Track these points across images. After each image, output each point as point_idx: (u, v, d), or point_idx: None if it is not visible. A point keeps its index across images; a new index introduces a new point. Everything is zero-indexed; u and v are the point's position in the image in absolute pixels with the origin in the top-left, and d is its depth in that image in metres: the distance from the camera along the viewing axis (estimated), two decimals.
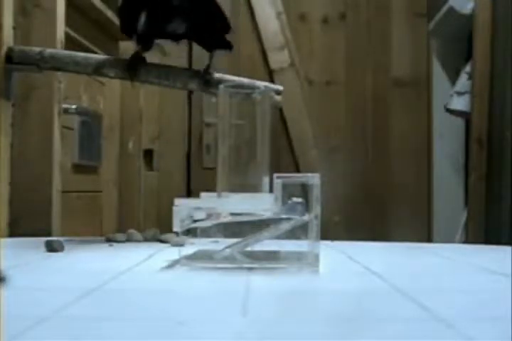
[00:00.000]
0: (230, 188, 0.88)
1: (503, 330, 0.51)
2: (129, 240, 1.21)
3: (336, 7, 2.38)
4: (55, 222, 1.37)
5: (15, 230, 1.29)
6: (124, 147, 2.25)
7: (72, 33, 1.68)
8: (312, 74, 2.37)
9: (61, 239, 1.10)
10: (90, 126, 1.86)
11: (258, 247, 0.87)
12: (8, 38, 1.29)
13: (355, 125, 2.37)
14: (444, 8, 2.04)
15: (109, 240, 1.19)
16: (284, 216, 0.86)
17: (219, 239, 0.89)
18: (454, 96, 1.96)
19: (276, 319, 0.56)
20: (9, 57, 1.27)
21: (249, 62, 2.28)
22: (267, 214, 0.86)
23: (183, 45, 1.38)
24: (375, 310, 0.61)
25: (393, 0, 2.38)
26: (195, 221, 0.88)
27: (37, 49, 1.28)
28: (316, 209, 0.85)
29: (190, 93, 2.32)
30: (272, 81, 2.15)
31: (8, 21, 1.28)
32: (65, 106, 1.51)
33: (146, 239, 1.22)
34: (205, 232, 0.88)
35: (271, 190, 0.87)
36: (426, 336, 0.50)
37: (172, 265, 0.87)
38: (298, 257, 0.85)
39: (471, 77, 1.88)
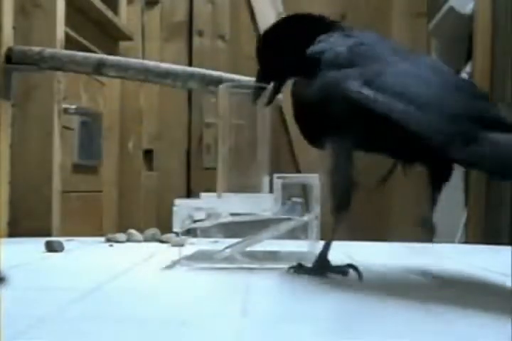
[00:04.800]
0: (230, 188, 0.88)
1: (503, 330, 0.51)
2: (129, 240, 1.21)
3: (335, 7, 2.38)
4: (55, 222, 1.37)
5: (15, 230, 1.29)
6: (124, 147, 2.25)
7: (72, 33, 1.68)
8: None
9: (61, 239, 1.10)
10: (90, 126, 1.86)
11: (258, 247, 0.87)
12: (8, 38, 1.29)
13: None
14: (444, 8, 2.03)
15: (109, 240, 1.19)
16: (283, 216, 0.86)
17: (219, 239, 0.89)
18: None
19: (276, 319, 0.56)
20: (9, 57, 1.27)
21: (249, 62, 2.27)
22: (267, 214, 0.86)
23: None
24: (375, 309, 0.61)
25: (393, 0, 2.38)
26: (195, 221, 0.88)
27: (37, 49, 1.28)
28: (316, 209, 0.85)
29: (190, 93, 2.32)
30: None
31: (8, 21, 1.28)
32: (64, 106, 1.50)
33: (146, 239, 1.22)
34: (205, 232, 0.88)
35: (271, 190, 0.87)
36: (426, 336, 0.50)
37: (172, 265, 0.87)
38: (298, 257, 0.85)
39: (471, 77, 1.88)
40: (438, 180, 0.83)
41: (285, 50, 0.86)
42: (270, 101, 0.89)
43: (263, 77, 0.89)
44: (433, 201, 0.87)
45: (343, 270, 0.79)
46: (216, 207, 0.87)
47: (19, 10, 1.34)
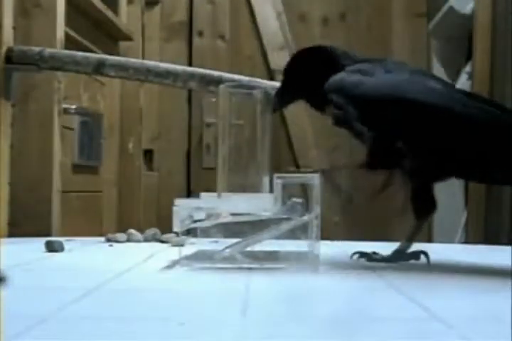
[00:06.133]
0: (230, 188, 0.88)
1: (503, 330, 0.51)
2: (129, 240, 1.21)
3: (335, 7, 2.38)
4: (55, 222, 1.37)
5: (15, 230, 1.29)
6: (124, 147, 2.25)
7: (72, 33, 1.68)
8: None
9: (61, 239, 1.10)
10: (90, 126, 1.86)
11: (258, 247, 0.87)
12: (8, 38, 1.29)
13: None
14: (444, 8, 2.03)
15: (109, 240, 1.19)
16: (284, 216, 0.86)
17: (219, 239, 0.89)
18: None
19: (276, 319, 0.56)
20: (9, 57, 1.27)
21: (249, 62, 2.28)
22: (267, 214, 0.86)
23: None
24: (375, 309, 0.61)
25: (393, 0, 2.38)
26: (195, 221, 0.88)
27: (36, 49, 1.28)
28: (316, 209, 0.85)
29: (190, 93, 2.32)
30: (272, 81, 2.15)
31: (8, 21, 1.28)
32: (64, 106, 1.50)
33: (146, 239, 1.22)
34: (205, 232, 0.88)
35: (271, 190, 0.87)
36: (426, 336, 0.50)
37: (172, 265, 0.87)
38: (298, 257, 0.85)
39: (471, 77, 1.88)
40: (424, 207, 0.92)
41: (304, 77, 0.96)
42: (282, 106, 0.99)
43: (282, 96, 0.96)
44: (415, 230, 0.94)
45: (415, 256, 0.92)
46: (216, 207, 0.87)
47: (19, 10, 1.34)
